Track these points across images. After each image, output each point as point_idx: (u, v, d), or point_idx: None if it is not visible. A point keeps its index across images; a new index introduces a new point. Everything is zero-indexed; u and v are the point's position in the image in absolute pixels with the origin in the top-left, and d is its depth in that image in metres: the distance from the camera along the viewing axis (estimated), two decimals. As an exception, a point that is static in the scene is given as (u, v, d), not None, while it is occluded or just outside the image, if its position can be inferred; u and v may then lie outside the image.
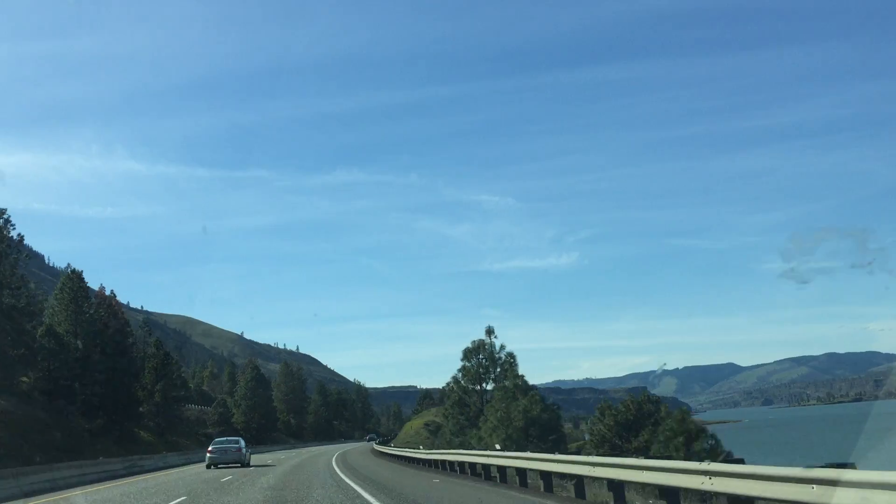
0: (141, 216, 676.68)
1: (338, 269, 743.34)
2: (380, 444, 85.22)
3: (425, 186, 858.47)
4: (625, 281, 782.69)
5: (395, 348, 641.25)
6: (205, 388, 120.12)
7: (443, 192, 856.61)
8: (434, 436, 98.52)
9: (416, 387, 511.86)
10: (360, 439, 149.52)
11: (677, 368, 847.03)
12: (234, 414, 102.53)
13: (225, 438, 49.31)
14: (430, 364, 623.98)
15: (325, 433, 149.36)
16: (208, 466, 42.49)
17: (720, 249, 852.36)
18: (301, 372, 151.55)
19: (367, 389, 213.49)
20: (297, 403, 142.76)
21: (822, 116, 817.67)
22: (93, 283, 66.96)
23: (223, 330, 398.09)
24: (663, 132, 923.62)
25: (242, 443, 45.70)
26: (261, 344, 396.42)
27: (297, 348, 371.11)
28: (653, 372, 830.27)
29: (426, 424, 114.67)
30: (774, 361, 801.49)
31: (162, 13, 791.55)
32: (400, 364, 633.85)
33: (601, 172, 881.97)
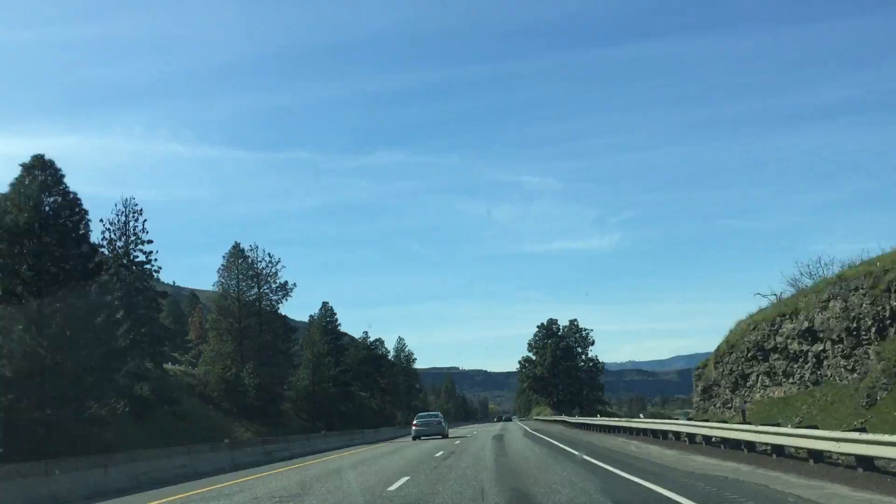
0: (184, 198, 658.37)
1: (378, 251, 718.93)
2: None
3: (467, 167, 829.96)
4: (668, 262, 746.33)
5: (435, 331, 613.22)
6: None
7: (484, 173, 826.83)
8: None
9: (458, 368, 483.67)
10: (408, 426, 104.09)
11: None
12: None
13: (427, 413, 58.72)
14: (471, 346, 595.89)
15: (331, 409, 75.41)
16: (414, 438, 46.37)
17: (768, 230, 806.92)
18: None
19: (412, 354, 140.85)
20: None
21: (872, 91, 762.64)
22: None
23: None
24: (710, 109, 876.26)
25: (441, 416, 52.96)
26: (297, 321, 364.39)
27: (340, 326, 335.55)
28: (698, 354, 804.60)
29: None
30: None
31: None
32: (440, 346, 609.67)
33: (646, 152, 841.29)
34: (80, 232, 34.04)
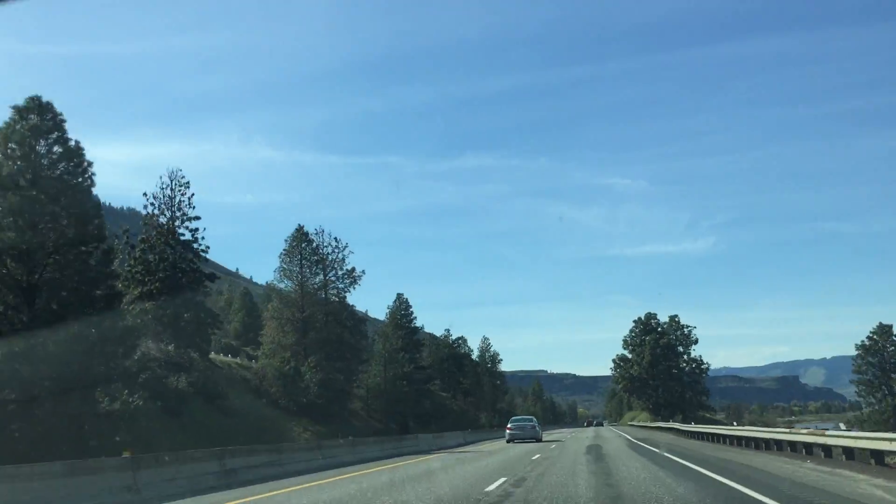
0: (277, 203, 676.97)
1: (464, 254, 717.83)
2: None
3: (554, 170, 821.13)
4: (765, 267, 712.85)
5: (521, 333, 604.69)
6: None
7: (572, 176, 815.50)
8: None
9: (546, 371, 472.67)
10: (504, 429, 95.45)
11: (825, 358, 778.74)
12: None
13: (520, 417, 56.48)
14: (559, 349, 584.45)
15: (406, 409, 69.55)
16: (508, 441, 46.44)
17: (870, 233, 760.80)
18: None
19: (497, 355, 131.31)
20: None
21: None
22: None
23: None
24: (805, 109, 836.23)
25: (536, 420, 51.62)
26: (376, 319, 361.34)
27: (423, 328, 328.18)
28: (797, 361, 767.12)
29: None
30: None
31: (295, 7, 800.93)
32: (528, 349, 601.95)
33: (740, 153, 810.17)
34: (84, 185, 28.13)
